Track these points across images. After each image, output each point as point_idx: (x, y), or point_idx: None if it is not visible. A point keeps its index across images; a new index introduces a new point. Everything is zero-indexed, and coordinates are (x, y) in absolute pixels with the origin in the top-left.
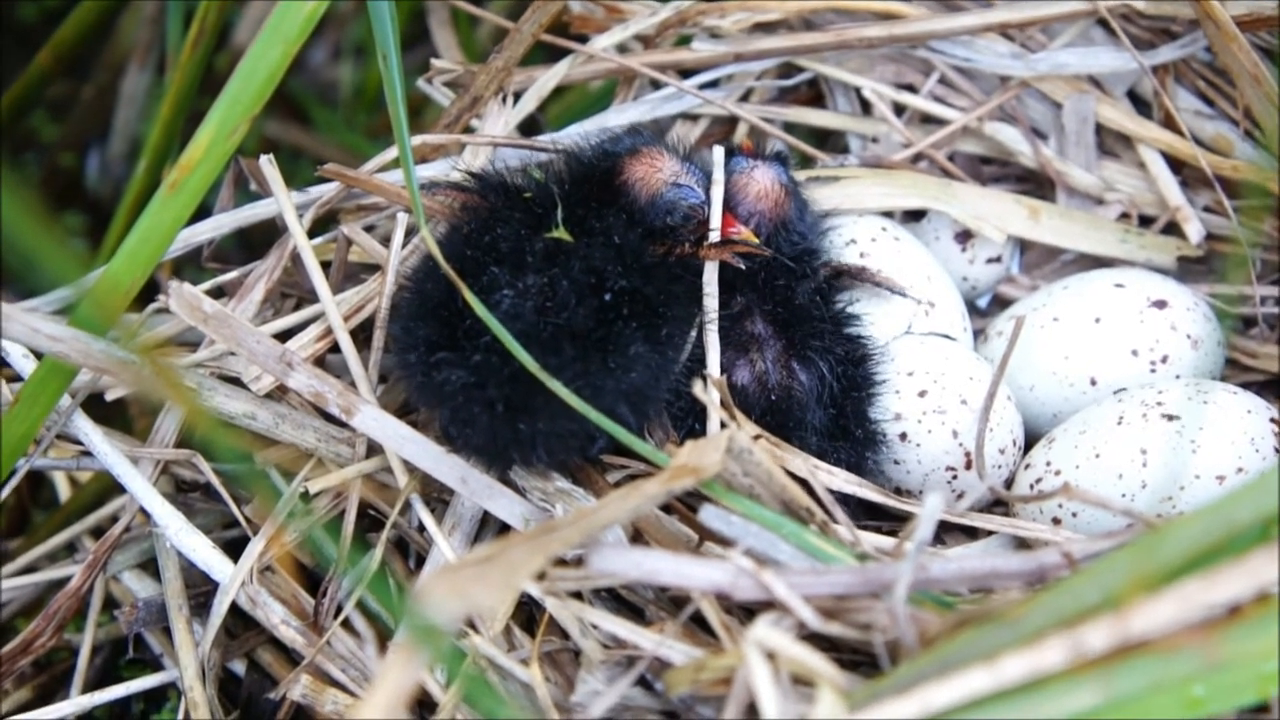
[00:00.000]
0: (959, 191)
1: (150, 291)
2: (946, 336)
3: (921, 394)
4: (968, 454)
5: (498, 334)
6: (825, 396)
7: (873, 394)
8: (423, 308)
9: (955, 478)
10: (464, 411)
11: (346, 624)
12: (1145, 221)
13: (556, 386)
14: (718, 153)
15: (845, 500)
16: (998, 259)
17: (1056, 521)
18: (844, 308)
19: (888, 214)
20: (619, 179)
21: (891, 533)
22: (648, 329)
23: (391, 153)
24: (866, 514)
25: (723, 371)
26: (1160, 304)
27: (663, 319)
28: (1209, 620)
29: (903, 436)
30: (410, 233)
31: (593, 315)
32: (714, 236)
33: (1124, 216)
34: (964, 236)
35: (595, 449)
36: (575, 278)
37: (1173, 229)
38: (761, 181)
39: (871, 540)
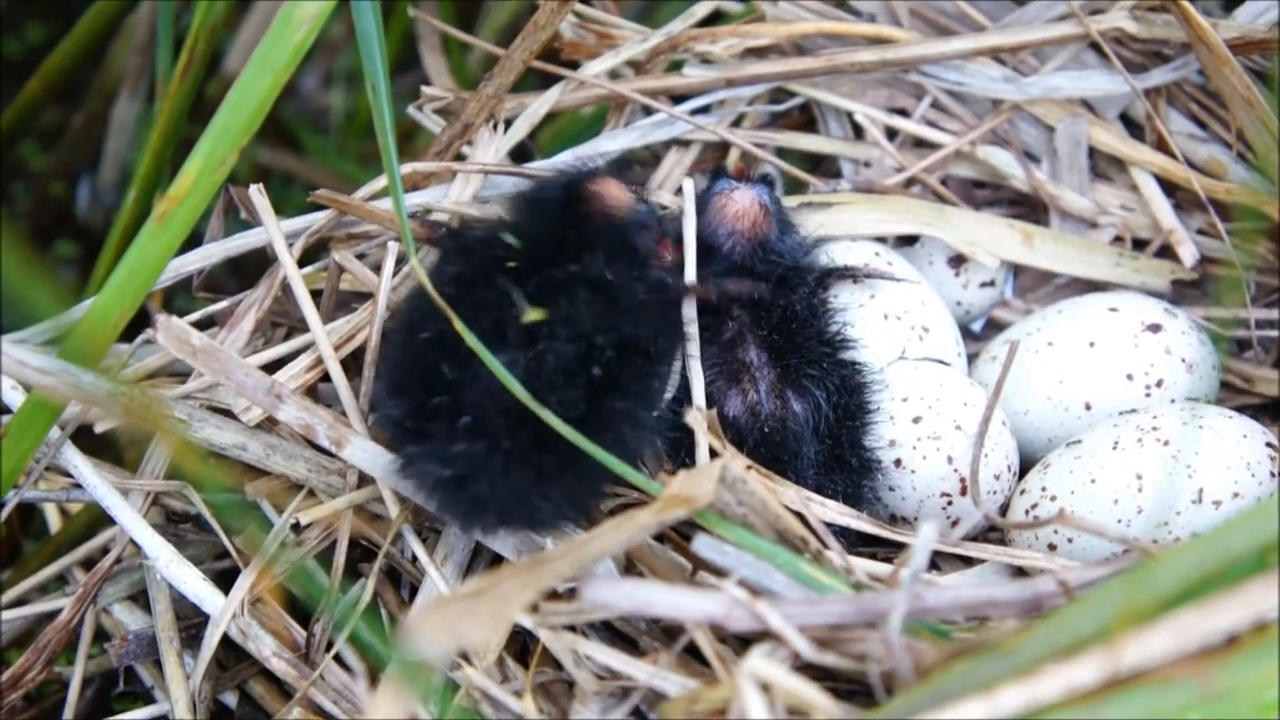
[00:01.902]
0: (952, 216)
1: (141, 320)
2: (941, 361)
3: (916, 420)
4: (963, 480)
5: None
6: (821, 426)
7: (868, 422)
8: (404, 375)
9: (950, 504)
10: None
11: (338, 656)
12: (1139, 245)
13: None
14: (688, 185)
15: (843, 533)
16: (991, 283)
17: (1052, 547)
18: (839, 331)
19: (881, 239)
20: (588, 206)
21: (888, 559)
22: (638, 392)
23: (382, 180)
24: (861, 541)
25: (714, 402)
26: (1155, 328)
27: (654, 370)
28: (1206, 650)
29: (897, 463)
30: (401, 261)
31: (583, 392)
32: (689, 271)
33: (1118, 240)
34: (957, 261)
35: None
36: (560, 350)
37: (1166, 252)
38: (740, 202)
39: (866, 566)
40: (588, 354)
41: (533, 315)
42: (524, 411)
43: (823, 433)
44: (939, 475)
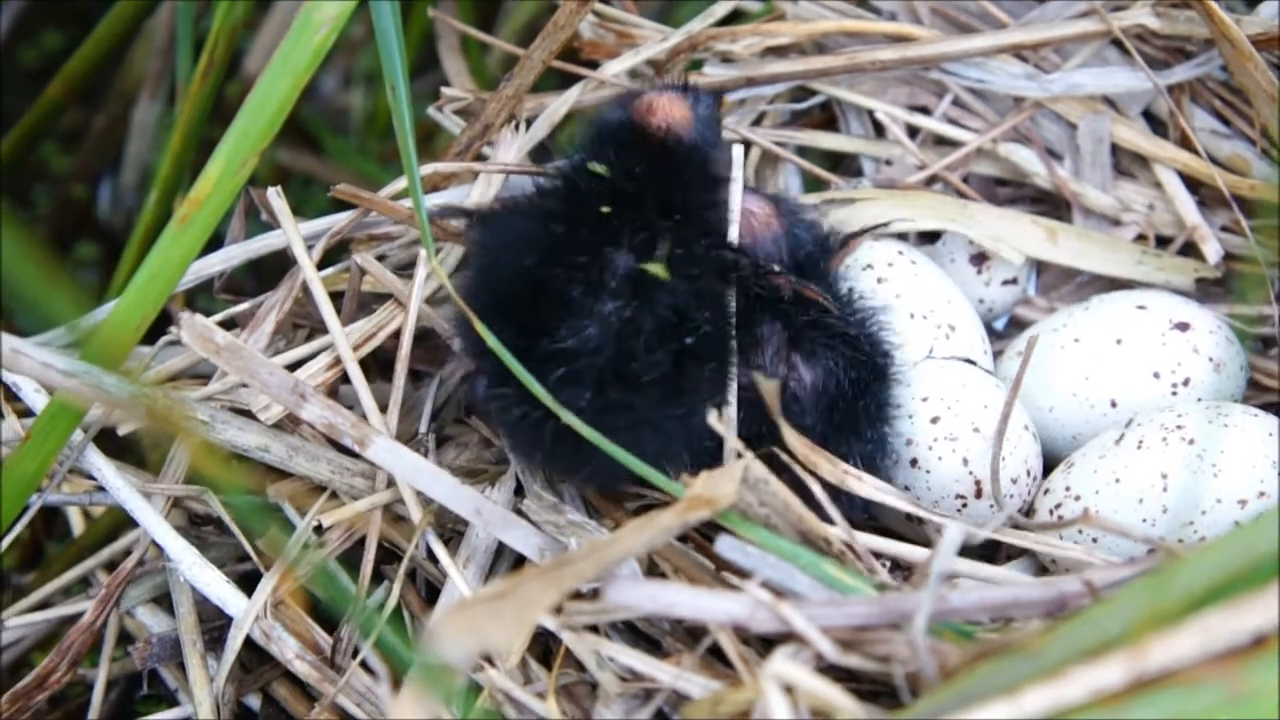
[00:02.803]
0: (976, 213)
1: (162, 322)
2: (969, 361)
3: (934, 420)
4: (977, 482)
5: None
6: (832, 395)
7: (884, 398)
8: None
9: (965, 506)
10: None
11: (361, 658)
12: (1162, 242)
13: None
14: (737, 151)
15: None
16: (1014, 281)
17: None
18: (857, 303)
19: (903, 237)
20: (659, 137)
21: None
22: (715, 367)
23: (402, 182)
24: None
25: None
26: (1183, 326)
27: (725, 351)
28: (1233, 650)
29: (913, 463)
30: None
31: (670, 358)
32: (733, 225)
33: (1141, 237)
34: (979, 259)
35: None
36: (660, 314)
37: (1190, 249)
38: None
39: (897, 549)
40: (681, 322)
41: (654, 269)
42: (617, 371)
43: (831, 402)
44: (954, 477)
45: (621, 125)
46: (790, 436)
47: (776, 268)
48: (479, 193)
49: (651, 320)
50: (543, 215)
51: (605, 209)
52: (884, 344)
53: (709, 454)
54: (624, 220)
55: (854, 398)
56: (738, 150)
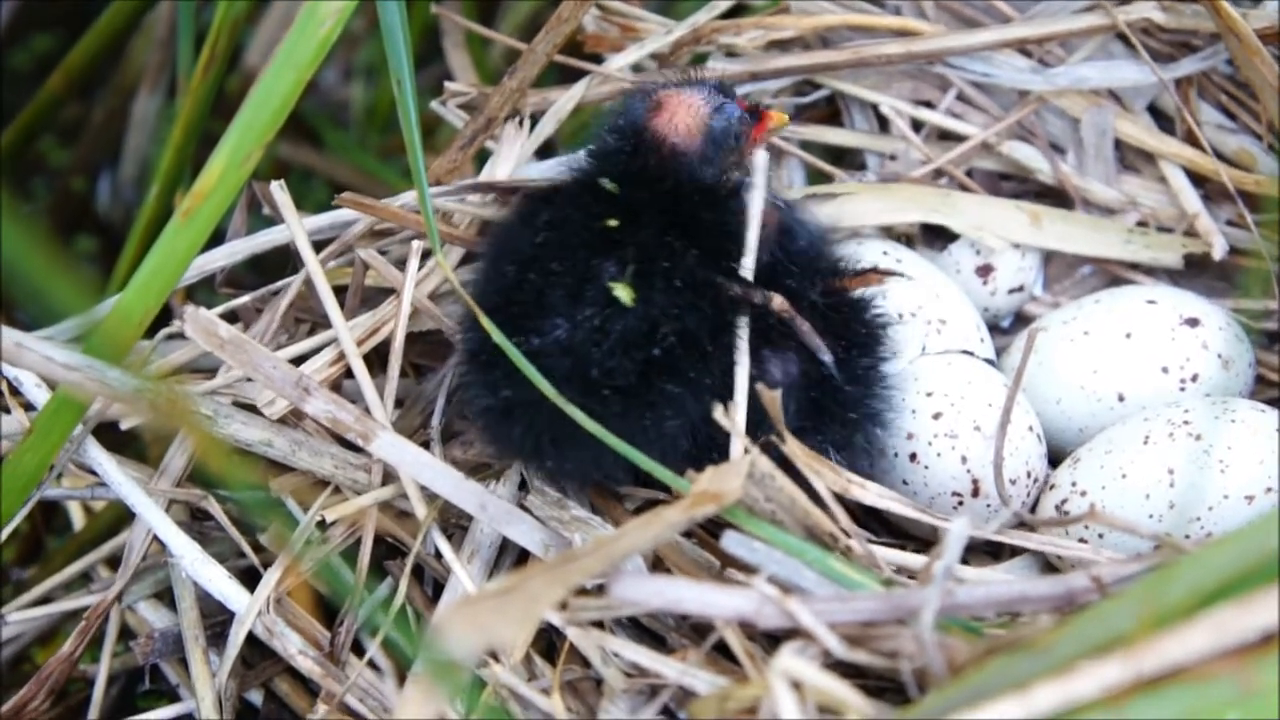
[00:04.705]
0: (958, 201)
1: (163, 316)
2: (968, 353)
3: (936, 416)
4: (975, 481)
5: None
6: (803, 391)
7: (870, 376)
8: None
9: (961, 504)
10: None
11: (365, 653)
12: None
13: (597, 429)
14: (761, 157)
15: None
16: (1020, 289)
17: (1083, 543)
18: (837, 285)
19: (907, 241)
20: (666, 147)
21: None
22: (690, 379)
23: (409, 194)
24: (885, 530)
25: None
26: (1193, 321)
27: (706, 363)
28: (1244, 647)
29: (912, 457)
30: (427, 255)
31: (637, 369)
32: (752, 227)
33: (1141, 225)
34: (985, 270)
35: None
36: (629, 324)
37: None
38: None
39: (896, 557)
40: (652, 331)
41: (620, 292)
42: (584, 375)
43: (806, 385)
44: (951, 474)
45: (632, 127)
46: (792, 445)
47: (767, 295)
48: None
49: (619, 330)
50: (543, 225)
51: (612, 222)
52: (868, 342)
53: (690, 461)
54: (623, 235)
55: (826, 395)
56: (761, 157)
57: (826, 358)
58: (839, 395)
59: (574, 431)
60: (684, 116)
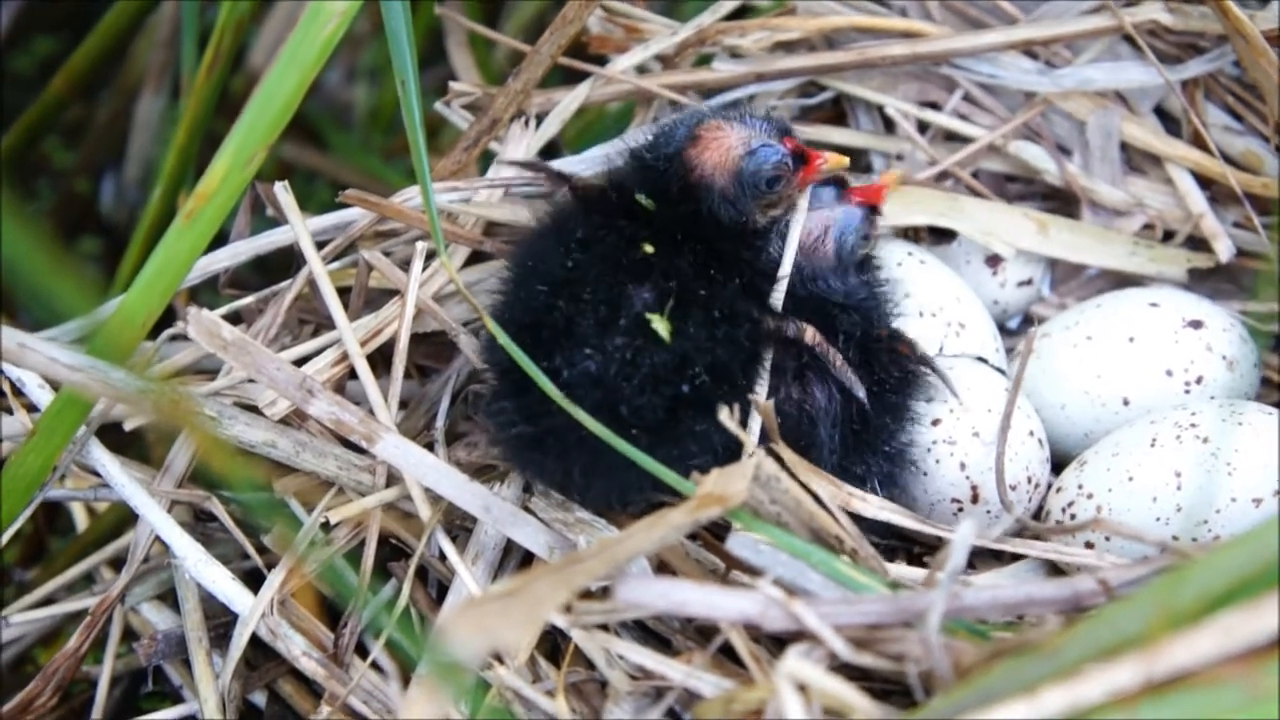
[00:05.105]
0: (967, 206)
1: (167, 317)
2: (980, 359)
3: (935, 423)
4: (974, 488)
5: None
6: (845, 412)
7: (903, 413)
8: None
9: (960, 510)
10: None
11: (369, 655)
12: (1171, 238)
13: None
14: (803, 201)
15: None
16: (1029, 282)
17: (1089, 546)
18: (876, 314)
19: (915, 239)
20: (693, 176)
21: (919, 559)
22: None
23: (413, 191)
24: (892, 534)
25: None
26: (1196, 324)
27: (736, 398)
28: (1252, 650)
29: (911, 464)
30: (431, 256)
31: (666, 405)
32: (786, 260)
33: (1147, 228)
34: (994, 261)
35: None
36: (659, 359)
37: (1200, 245)
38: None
39: (899, 571)
40: (682, 368)
41: (659, 325)
42: (613, 410)
43: (848, 418)
44: (950, 481)
45: (668, 151)
46: (791, 457)
47: (800, 326)
48: (488, 189)
49: (649, 364)
50: (575, 246)
51: (649, 248)
52: (903, 358)
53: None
54: (659, 261)
55: (868, 417)
56: (803, 201)
57: (860, 392)
58: (880, 430)
59: (604, 461)
60: (715, 154)
